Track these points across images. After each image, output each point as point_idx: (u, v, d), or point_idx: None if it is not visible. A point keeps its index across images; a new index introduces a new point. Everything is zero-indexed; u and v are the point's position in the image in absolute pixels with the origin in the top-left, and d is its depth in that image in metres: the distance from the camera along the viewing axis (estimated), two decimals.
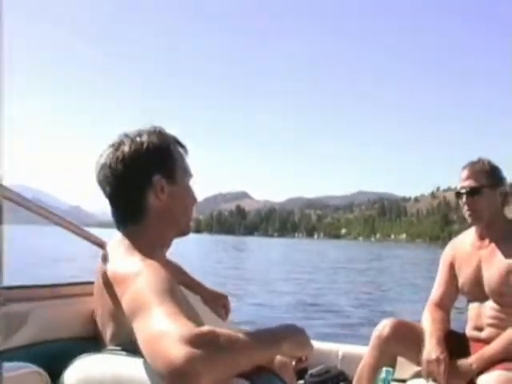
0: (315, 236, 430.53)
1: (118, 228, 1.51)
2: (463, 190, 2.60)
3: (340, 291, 16.80)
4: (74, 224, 1.98)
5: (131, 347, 1.25)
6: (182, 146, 1.59)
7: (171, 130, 1.60)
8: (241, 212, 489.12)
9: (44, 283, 1.80)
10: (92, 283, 1.55)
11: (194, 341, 1.05)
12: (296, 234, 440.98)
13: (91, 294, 1.54)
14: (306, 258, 42.95)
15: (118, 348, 1.35)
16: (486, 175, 2.58)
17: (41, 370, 1.24)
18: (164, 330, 1.09)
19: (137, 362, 1.23)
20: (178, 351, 1.03)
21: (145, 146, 1.47)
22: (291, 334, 1.33)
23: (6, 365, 1.16)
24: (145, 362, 1.18)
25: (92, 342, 1.48)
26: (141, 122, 1.57)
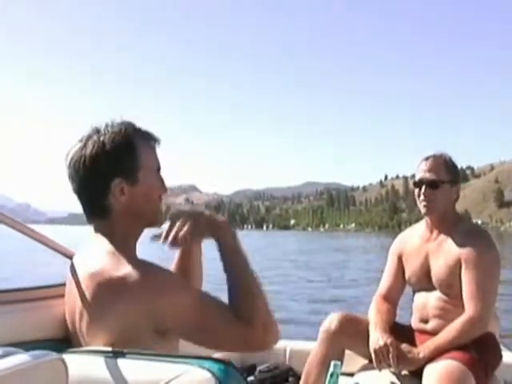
0: (264, 227, 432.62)
1: (88, 222, 1.59)
2: (424, 181, 2.63)
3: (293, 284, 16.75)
4: (41, 235, 1.91)
5: (117, 347, 1.31)
6: (153, 139, 1.59)
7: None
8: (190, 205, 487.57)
9: (12, 287, 1.78)
10: (60, 286, 1.68)
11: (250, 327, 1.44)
12: (245, 226, 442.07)
13: (61, 296, 1.62)
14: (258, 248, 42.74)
15: (103, 348, 1.36)
16: (448, 171, 2.64)
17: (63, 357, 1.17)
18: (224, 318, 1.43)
19: (121, 362, 1.27)
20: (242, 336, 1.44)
21: (107, 147, 1.48)
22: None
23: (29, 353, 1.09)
24: (125, 360, 1.26)
25: (65, 343, 1.52)
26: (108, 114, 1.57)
